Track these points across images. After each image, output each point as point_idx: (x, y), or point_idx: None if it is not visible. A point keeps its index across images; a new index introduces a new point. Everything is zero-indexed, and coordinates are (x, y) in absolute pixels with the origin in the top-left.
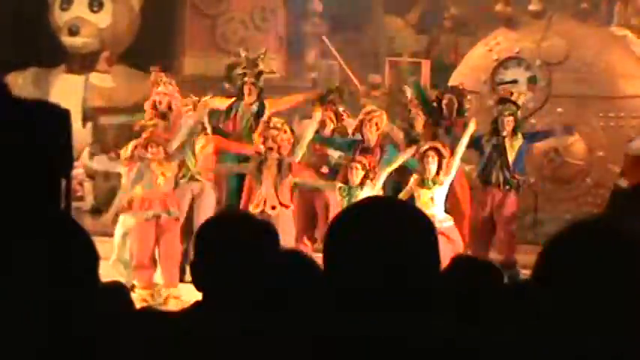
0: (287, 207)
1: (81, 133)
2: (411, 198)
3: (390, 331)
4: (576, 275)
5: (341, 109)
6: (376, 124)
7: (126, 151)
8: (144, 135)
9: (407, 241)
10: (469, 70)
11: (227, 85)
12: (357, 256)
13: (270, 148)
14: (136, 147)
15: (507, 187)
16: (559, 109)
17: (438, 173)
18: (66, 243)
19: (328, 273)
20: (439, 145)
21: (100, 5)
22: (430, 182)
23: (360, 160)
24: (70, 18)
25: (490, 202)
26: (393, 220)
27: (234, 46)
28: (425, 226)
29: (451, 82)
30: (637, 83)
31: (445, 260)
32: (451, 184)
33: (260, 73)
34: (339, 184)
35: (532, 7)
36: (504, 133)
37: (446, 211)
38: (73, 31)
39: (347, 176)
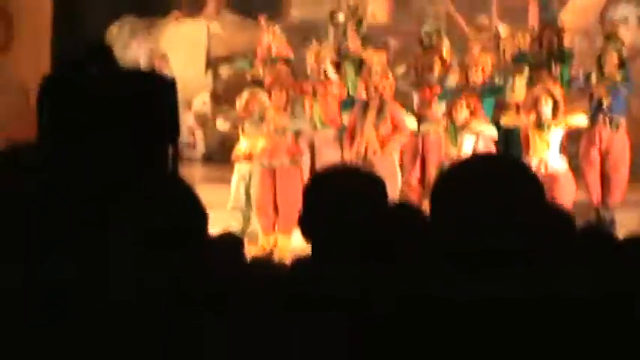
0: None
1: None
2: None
3: (512, 289)
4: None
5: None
6: (482, 69)
7: (241, 100)
8: (268, 78)
9: (514, 203)
10: (578, 9)
11: (332, 31)
12: (464, 215)
13: (372, 95)
14: (252, 94)
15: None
16: None
17: (555, 115)
18: (171, 205)
19: (436, 229)
20: (551, 87)
21: None
22: (546, 126)
23: (465, 97)
24: None
25: (599, 142)
26: (500, 181)
27: None
28: (533, 187)
29: (560, 22)
30: None
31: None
32: None
33: (361, 20)
34: (443, 123)
35: None
36: (606, 70)
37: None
38: None
39: (452, 114)
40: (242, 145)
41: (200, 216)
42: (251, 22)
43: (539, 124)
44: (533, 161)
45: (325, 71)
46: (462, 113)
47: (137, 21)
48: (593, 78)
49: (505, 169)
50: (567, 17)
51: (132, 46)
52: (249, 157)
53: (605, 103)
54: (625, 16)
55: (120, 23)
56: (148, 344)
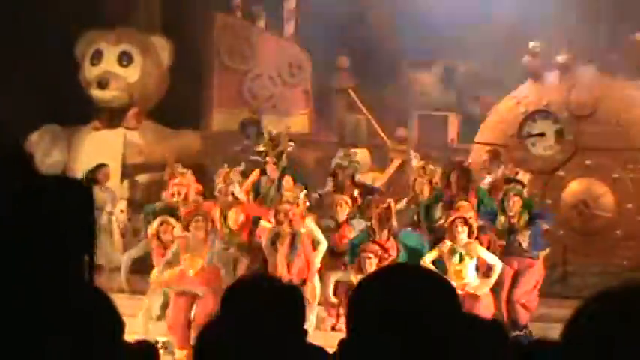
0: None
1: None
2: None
3: None
4: (602, 345)
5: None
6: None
7: (151, 228)
8: (183, 210)
9: (429, 309)
10: (496, 123)
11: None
12: (380, 322)
13: (281, 222)
14: (163, 222)
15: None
16: (587, 162)
17: (469, 241)
18: (89, 315)
19: (350, 336)
20: (466, 215)
21: (130, 60)
22: (459, 254)
23: (372, 249)
24: (99, 72)
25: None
26: (415, 288)
27: (263, 102)
28: (447, 294)
29: (478, 137)
30: None
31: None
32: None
33: (281, 152)
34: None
35: (559, 60)
36: (511, 214)
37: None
38: (103, 84)
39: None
40: (158, 273)
41: (115, 323)
42: (170, 131)
43: (453, 251)
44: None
45: (233, 192)
46: (371, 265)
47: (58, 129)
48: (499, 222)
49: (419, 278)
50: (486, 131)
51: (53, 154)
52: (167, 284)
53: (524, 245)
54: (542, 131)
55: (41, 132)
56: None
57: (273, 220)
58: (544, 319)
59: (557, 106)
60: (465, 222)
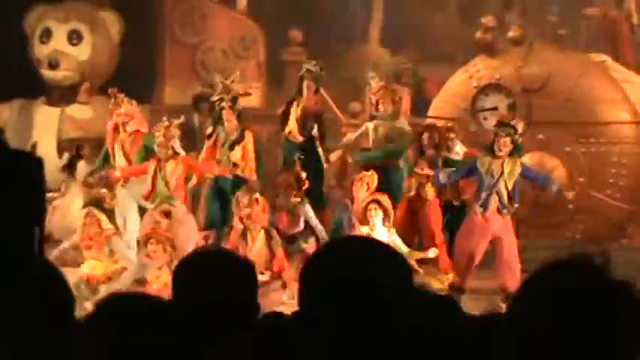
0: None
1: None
2: None
3: None
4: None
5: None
6: (367, 184)
7: (82, 225)
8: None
9: (381, 278)
10: (450, 97)
11: (196, 117)
12: (332, 292)
13: (248, 225)
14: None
15: (505, 212)
16: (540, 136)
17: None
18: (39, 286)
19: (301, 306)
20: (380, 198)
21: (80, 38)
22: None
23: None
24: (49, 51)
25: (490, 228)
26: (366, 258)
27: (215, 74)
28: (397, 262)
29: (431, 110)
30: (617, 108)
31: None
32: (427, 214)
33: (235, 97)
34: None
35: (511, 34)
36: (500, 154)
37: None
38: (53, 65)
39: None
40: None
41: (65, 295)
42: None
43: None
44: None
45: (173, 147)
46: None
47: (24, 103)
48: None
49: (370, 248)
50: (439, 105)
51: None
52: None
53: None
54: (495, 105)
55: (10, 104)
56: None
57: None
58: (496, 293)
59: (509, 80)
60: (380, 204)
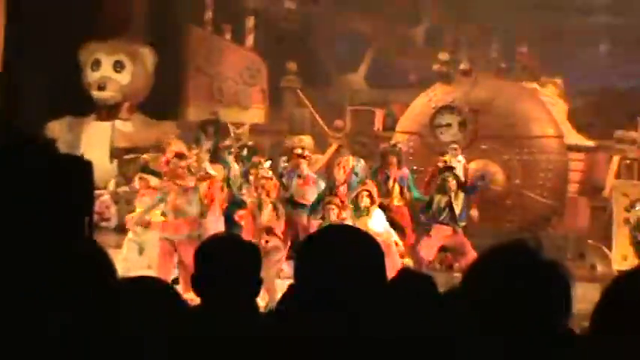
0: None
1: (108, 167)
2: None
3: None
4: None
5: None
6: (344, 167)
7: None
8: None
9: (357, 259)
10: (413, 116)
11: (203, 137)
12: (320, 269)
13: (260, 194)
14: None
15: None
16: (483, 146)
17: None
18: (88, 259)
19: (296, 281)
20: (370, 187)
21: (122, 67)
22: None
23: (335, 202)
24: (98, 77)
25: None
26: (348, 242)
27: (228, 98)
28: (374, 247)
29: (398, 127)
30: (544, 126)
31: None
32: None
33: (243, 145)
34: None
35: (462, 67)
36: (451, 194)
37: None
38: (101, 87)
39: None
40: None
41: (110, 267)
42: (155, 121)
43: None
44: None
45: (205, 169)
46: (334, 215)
47: (74, 120)
48: (437, 202)
49: (351, 234)
50: (405, 123)
51: (67, 139)
52: (147, 225)
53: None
54: (448, 122)
55: (60, 121)
56: None
57: (254, 193)
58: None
59: (460, 102)
60: (370, 194)
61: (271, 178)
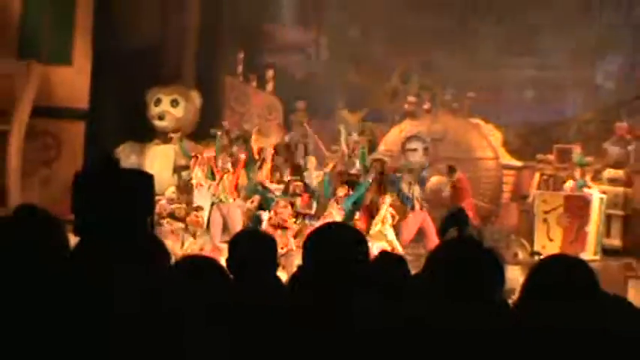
0: None
1: (167, 179)
2: None
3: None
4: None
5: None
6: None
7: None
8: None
9: (346, 248)
10: (389, 143)
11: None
12: (317, 254)
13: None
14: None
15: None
16: (440, 166)
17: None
18: (153, 251)
19: (303, 263)
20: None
21: (177, 104)
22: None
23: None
24: (159, 111)
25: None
26: (339, 235)
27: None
28: (358, 239)
29: (378, 152)
30: (485, 150)
31: None
32: None
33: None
34: None
35: (425, 107)
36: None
37: None
38: (161, 118)
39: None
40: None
41: (166, 254)
42: (201, 146)
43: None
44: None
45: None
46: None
47: (135, 144)
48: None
49: (342, 229)
50: (383, 147)
51: (131, 159)
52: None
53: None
54: (415, 147)
55: (124, 145)
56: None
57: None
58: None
59: (423, 133)
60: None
61: (286, 206)
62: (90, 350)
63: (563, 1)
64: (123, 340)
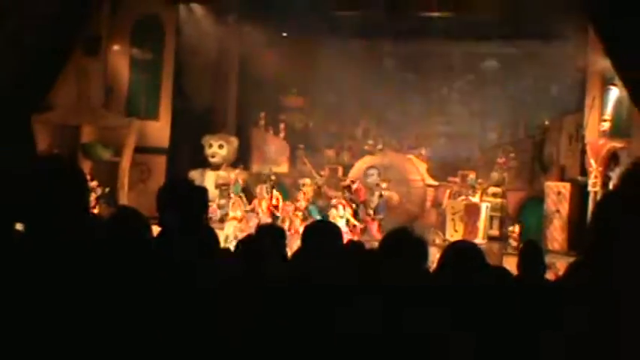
0: None
1: (214, 192)
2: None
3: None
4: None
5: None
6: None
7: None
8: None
9: (326, 239)
10: (356, 171)
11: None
12: (309, 245)
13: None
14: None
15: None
16: (384, 186)
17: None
18: (204, 234)
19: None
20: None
21: (222, 146)
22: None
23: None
24: (211, 151)
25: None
26: (323, 230)
27: (271, 160)
28: (335, 232)
29: (350, 175)
30: (415, 175)
31: None
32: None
33: (273, 186)
34: None
35: (379, 147)
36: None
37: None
38: (212, 156)
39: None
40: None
41: (215, 238)
42: (238, 171)
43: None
44: None
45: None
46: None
47: (201, 171)
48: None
49: (324, 225)
50: (352, 173)
51: (197, 179)
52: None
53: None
54: (372, 173)
55: (194, 171)
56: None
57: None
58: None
59: (378, 164)
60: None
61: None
62: (181, 316)
63: (463, 81)
64: (204, 309)
